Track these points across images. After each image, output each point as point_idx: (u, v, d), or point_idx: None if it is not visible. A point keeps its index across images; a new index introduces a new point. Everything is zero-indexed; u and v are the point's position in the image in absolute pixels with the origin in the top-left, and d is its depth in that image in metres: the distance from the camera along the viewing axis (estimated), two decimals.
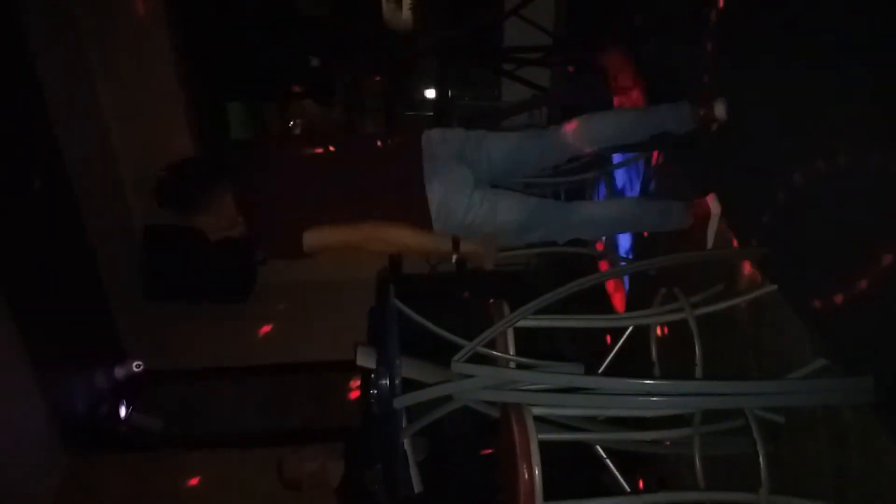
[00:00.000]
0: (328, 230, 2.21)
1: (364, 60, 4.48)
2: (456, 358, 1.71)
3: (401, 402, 1.82)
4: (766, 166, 2.05)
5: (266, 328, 5.28)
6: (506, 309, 2.00)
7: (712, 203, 2.32)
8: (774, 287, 1.95)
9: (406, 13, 4.75)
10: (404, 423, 1.94)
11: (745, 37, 2.20)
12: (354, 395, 4.57)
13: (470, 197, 2.16)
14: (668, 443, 2.11)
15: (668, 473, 2.73)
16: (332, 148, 2.29)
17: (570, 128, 2.35)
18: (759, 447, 1.59)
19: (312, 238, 2.20)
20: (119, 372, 4.80)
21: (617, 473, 1.93)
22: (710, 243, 2.33)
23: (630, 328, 2.13)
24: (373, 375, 1.89)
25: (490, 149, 2.30)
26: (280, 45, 5.11)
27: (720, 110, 2.27)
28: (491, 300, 2.09)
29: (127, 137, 5.01)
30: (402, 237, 2.18)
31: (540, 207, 2.28)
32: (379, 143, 2.31)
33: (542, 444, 1.52)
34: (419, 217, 2.17)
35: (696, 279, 2.44)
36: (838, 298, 1.71)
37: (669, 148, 2.79)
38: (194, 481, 4.33)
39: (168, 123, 4.93)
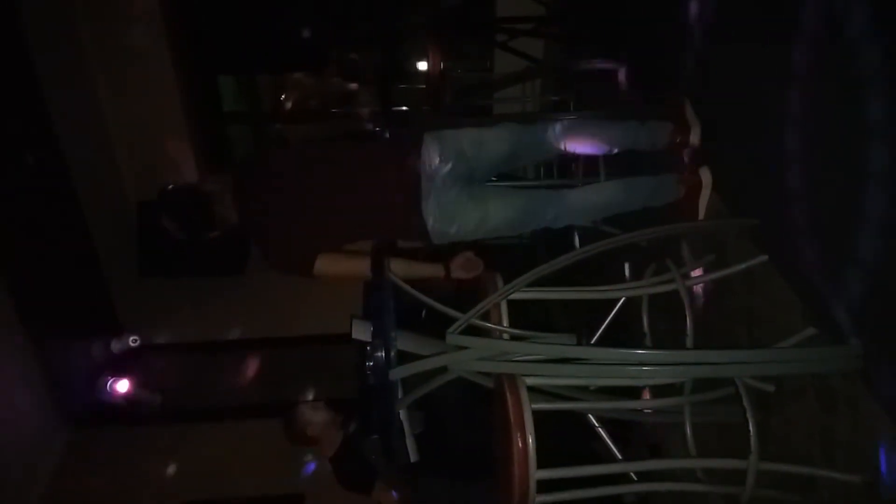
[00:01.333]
0: (342, 260, 2.28)
1: (357, 32, 4.44)
2: (450, 330, 1.73)
3: (396, 373, 1.85)
4: (754, 138, 2.06)
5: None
6: (499, 281, 2.02)
7: (704, 174, 2.34)
8: (765, 257, 1.96)
9: None
10: (400, 395, 1.97)
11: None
12: None
13: (463, 211, 2.23)
14: (651, 411, 2.15)
15: (660, 441, 2.78)
16: (334, 157, 2.32)
17: (564, 130, 2.39)
18: (749, 415, 1.62)
19: (325, 264, 2.26)
20: (116, 346, 4.82)
21: (609, 441, 1.96)
22: (702, 214, 2.34)
23: (622, 299, 2.15)
24: (368, 348, 1.91)
25: (483, 156, 2.33)
26: (273, 17, 5.06)
27: (695, 137, 2.40)
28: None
29: (120, 112, 4.98)
30: (406, 271, 2.24)
31: (529, 203, 2.33)
32: (379, 154, 2.34)
33: (536, 414, 1.54)
34: (417, 229, 2.24)
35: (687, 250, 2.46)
36: (828, 268, 1.73)
37: None
38: (192, 454, 4.38)
39: (161, 98, 4.90)
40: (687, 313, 1.95)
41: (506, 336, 1.88)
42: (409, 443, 2.04)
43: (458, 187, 2.24)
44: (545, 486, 1.54)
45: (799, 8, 1.81)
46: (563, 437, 2.06)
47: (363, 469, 2.98)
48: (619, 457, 1.96)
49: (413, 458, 2.04)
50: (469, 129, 2.33)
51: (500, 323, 1.93)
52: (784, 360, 1.65)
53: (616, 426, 2.09)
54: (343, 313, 2.44)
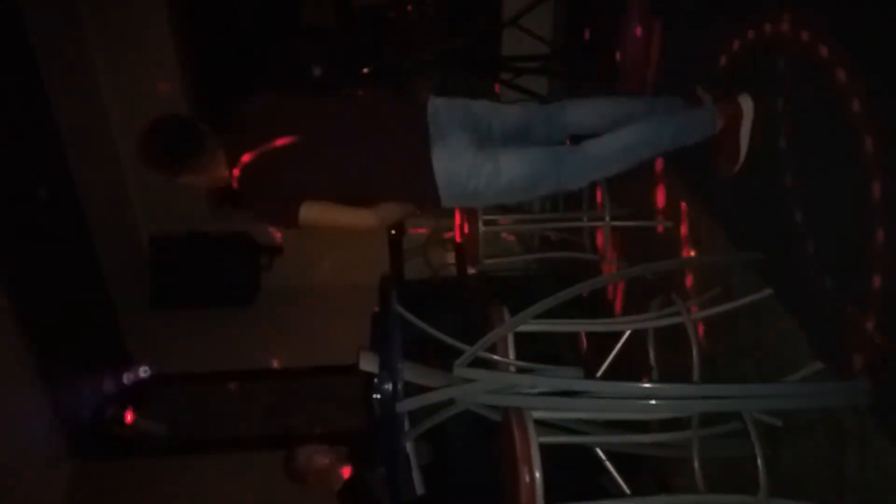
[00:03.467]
0: (329, 208, 2.12)
1: (365, 70, 4.50)
2: (458, 362, 1.73)
3: (403, 406, 1.85)
4: (761, 173, 2.08)
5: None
6: (506, 313, 2.03)
7: (744, 101, 2.08)
8: (770, 291, 1.97)
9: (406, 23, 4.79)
10: (407, 427, 1.97)
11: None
12: None
13: (473, 160, 2.05)
14: (659, 445, 2.13)
15: (668, 476, 2.75)
16: (335, 105, 2.20)
17: (570, 107, 2.28)
18: (758, 450, 1.61)
19: (311, 212, 2.10)
20: (125, 377, 4.83)
21: (617, 476, 1.95)
22: (743, 150, 2.11)
23: (628, 332, 2.15)
24: (375, 380, 1.92)
25: (494, 122, 2.21)
26: (282, 54, 5.15)
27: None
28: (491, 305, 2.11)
29: (133, 146, 5.04)
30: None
31: (545, 156, 2.13)
32: (385, 105, 2.21)
33: (543, 447, 1.54)
34: (424, 185, 2.07)
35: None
36: (835, 301, 1.73)
37: None
38: (199, 486, 4.35)
39: None
40: (693, 346, 1.95)
41: (513, 369, 1.89)
42: (416, 475, 2.03)
43: (467, 138, 2.08)
44: None
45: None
46: (571, 470, 2.05)
47: (371, 502, 2.96)
48: (627, 491, 1.94)
49: (420, 490, 2.03)
50: (482, 100, 2.23)
51: (506, 355, 1.93)
52: (792, 395, 1.65)
53: (624, 460, 2.08)
54: (350, 344, 2.45)
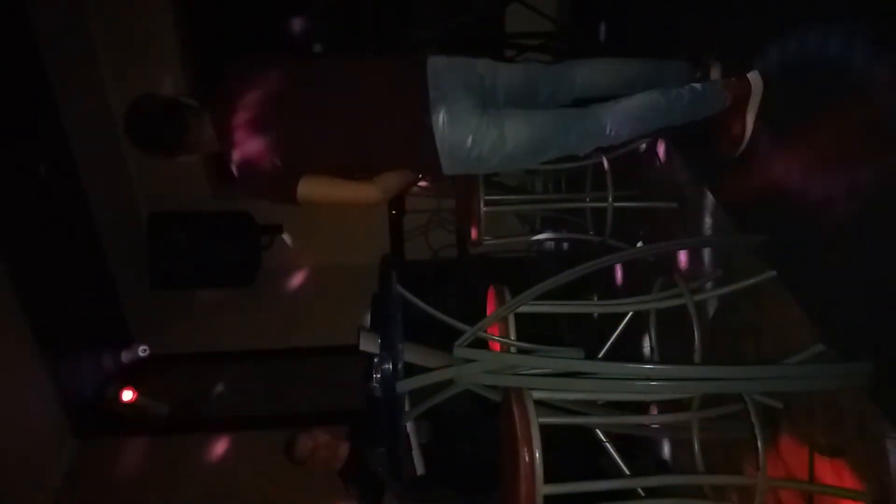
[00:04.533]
0: (328, 183, 2.05)
1: (366, 47, 4.46)
2: (458, 343, 1.73)
3: (403, 386, 1.85)
4: (765, 156, 2.06)
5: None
6: (507, 294, 2.02)
7: (753, 78, 2.04)
8: (773, 273, 1.96)
9: None
10: (407, 407, 1.97)
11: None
12: None
13: (477, 126, 1.96)
14: (659, 426, 2.14)
15: (668, 457, 2.76)
16: (327, 70, 2.08)
17: (578, 68, 2.21)
18: (758, 432, 1.61)
19: (310, 188, 2.03)
20: (125, 356, 4.85)
21: (616, 456, 1.96)
22: (749, 128, 2.08)
23: (629, 314, 2.15)
24: (376, 360, 1.92)
25: (497, 81, 2.12)
26: (284, 32, 5.10)
27: (716, 73, 2.18)
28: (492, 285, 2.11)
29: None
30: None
31: (551, 119, 2.06)
32: (381, 67, 2.10)
33: (543, 428, 1.54)
34: (425, 153, 1.99)
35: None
36: (836, 284, 1.73)
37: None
38: (200, 465, 4.38)
39: None
40: (695, 328, 1.95)
41: (513, 349, 1.88)
42: (416, 455, 2.04)
43: (470, 99, 1.99)
44: (552, 502, 1.54)
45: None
46: (570, 451, 2.06)
47: (371, 482, 2.98)
48: (627, 472, 1.95)
49: (420, 470, 2.04)
50: (484, 59, 2.13)
51: (507, 336, 1.93)
52: (792, 377, 1.65)
53: (623, 441, 2.08)
54: (351, 324, 2.45)
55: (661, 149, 2.91)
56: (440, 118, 1.95)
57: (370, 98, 2.02)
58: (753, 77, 2.03)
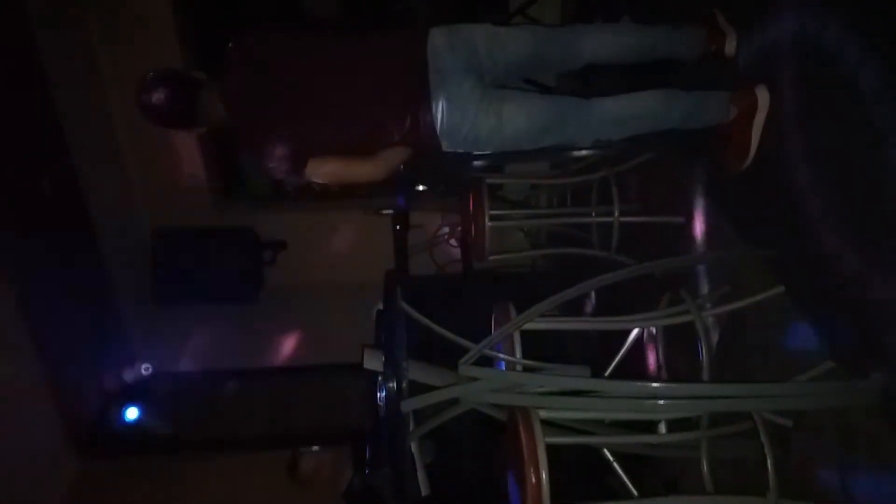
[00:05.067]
0: (334, 163, 2.08)
1: (359, 20, 4.40)
2: (462, 361, 1.71)
3: (408, 405, 1.83)
4: (772, 171, 2.05)
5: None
6: (512, 311, 2.00)
7: (761, 93, 2.02)
8: (781, 288, 1.94)
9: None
10: (411, 426, 1.95)
11: None
12: None
13: (476, 113, 2.01)
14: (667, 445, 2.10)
15: (676, 476, 2.73)
16: (332, 45, 2.11)
17: (588, 34, 2.18)
18: (767, 450, 1.59)
19: (317, 167, 2.07)
20: (128, 375, 4.83)
21: (624, 476, 1.93)
22: (754, 144, 2.06)
23: (636, 330, 2.12)
24: (380, 378, 1.90)
25: (498, 55, 2.10)
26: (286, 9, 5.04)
27: (731, 47, 2.16)
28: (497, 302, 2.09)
29: (135, 141, 5.04)
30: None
31: (552, 107, 2.07)
32: (383, 48, 2.12)
33: (549, 447, 1.52)
34: (425, 133, 2.04)
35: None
36: (844, 300, 1.70)
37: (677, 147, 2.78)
38: (202, 485, 4.35)
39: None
40: (703, 345, 1.92)
41: (519, 367, 1.86)
42: (421, 475, 2.01)
43: (470, 81, 2.01)
44: None
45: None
46: (577, 471, 2.03)
47: (375, 503, 2.94)
48: (635, 492, 1.92)
49: (425, 491, 2.01)
50: (487, 24, 2.10)
51: (512, 353, 1.91)
52: (802, 395, 1.62)
53: (631, 460, 2.05)
54: (355, 342, 2.43)
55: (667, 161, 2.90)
56: (440, 105, 2.00)
57: (371, 80, 2.05)
58: (761, 91, 2.02)
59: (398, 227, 4.25)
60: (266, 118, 2.05)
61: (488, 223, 3.05)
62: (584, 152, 3.01)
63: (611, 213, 2.89)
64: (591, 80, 2.68)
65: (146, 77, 2.07)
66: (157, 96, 2.04)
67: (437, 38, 2.05)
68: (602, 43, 2.17)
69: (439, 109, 2.00)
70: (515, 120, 2.03)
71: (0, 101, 3.72)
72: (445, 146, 2.06)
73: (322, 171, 2.07)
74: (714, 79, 2.23)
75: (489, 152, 2.13)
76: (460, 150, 2.10)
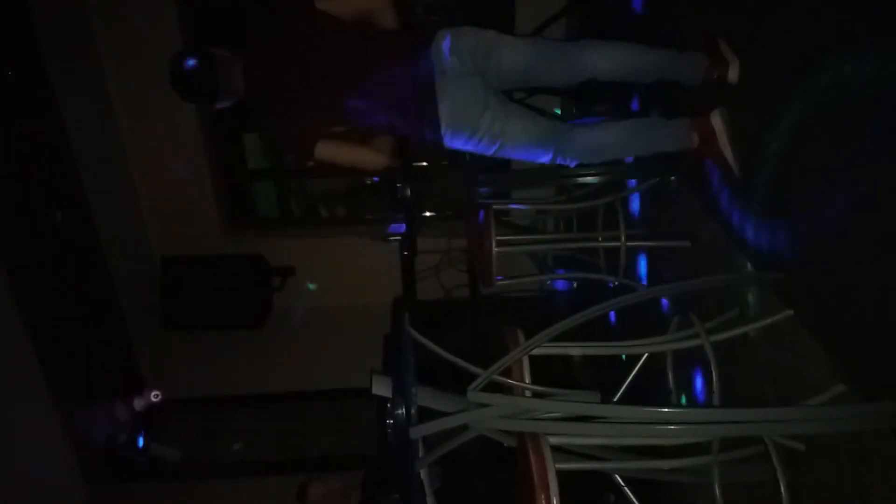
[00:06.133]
0: (341, 149, 2.28)
1: None
2: (471, 387, 1.71)
3: (417, 432, 1.82)
4: (781, 190, 2.05)
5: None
6: (520, 336, 2.00)
7: (714, 120, 2.20)
8: (790, 312, 1.93)
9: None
10: (421, 452, 1.94)
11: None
12: None
13: (478, 122, 2.17)
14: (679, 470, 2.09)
15: (688, 501, 2.70)
16: (347, 41, 2.24)
17: (591, 50, 2.27)
18: (779, 475, 1.58)
19: (325, 150, 2.25)
20: (137, 402, 4.82)
21: (636, 502, 1.91)
22: (730, 157, 2.21)
23: (645, 355, 2.12)
24: (388, 405, 1.89)
25: (501, 62, 2.23)
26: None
27: (734, 74, 2.21)
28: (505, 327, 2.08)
29: (146, 167, 5.09)
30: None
31: (551, 133, 2.26)
32: (389, 49, 2.24)
33: (560, 473, 1.51)
34: (429, 133, 2.19)
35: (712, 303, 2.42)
36: (856, 321, 1.70)
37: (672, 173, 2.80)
38: None
39: (186, 154, 4.99)
40: (713, 370, 1.91)
41: (528, 393, 1.86)
42: (430, 502, 2.00)
43: (474, 83, 2.16)
44: None
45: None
46: (588, 497, 2.01)
47: None
48: None
49: None
50: (491, 30, 2.24)
51: (522, 379, 1.90)
52: (814, 418, 1.61)
53: (643, 486, 2.04)
54: (363, 367, 2.43)
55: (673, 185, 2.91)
56: (445, 108, 2.14)
57: (381, 74, 2.18)
58: (714, 118, 2.19)
59: (406, 252, 4.26)
60: (282, 99, 2.22)
61: (495, 248, 3.06)
62: (588, 178, 3.03)
63: (618, 238, 2.89)
64: (584, 100, 2.78)
65: (175, 56, 2.22)
66: (187, 69, 2.19)
67: (443, 39, 2.17)
68: (603, 60, 2.27)
69: (444, 116, 2.14)
70: (515, 138, 2.21)
71: (14, 131, 3.77)
72: (447, 143, 2.21)
73: (331, 151, 2.25)
74: (678, 104, 2.41)
75: (487, 156, 2.28)
76: (460, 149, 2.26)
